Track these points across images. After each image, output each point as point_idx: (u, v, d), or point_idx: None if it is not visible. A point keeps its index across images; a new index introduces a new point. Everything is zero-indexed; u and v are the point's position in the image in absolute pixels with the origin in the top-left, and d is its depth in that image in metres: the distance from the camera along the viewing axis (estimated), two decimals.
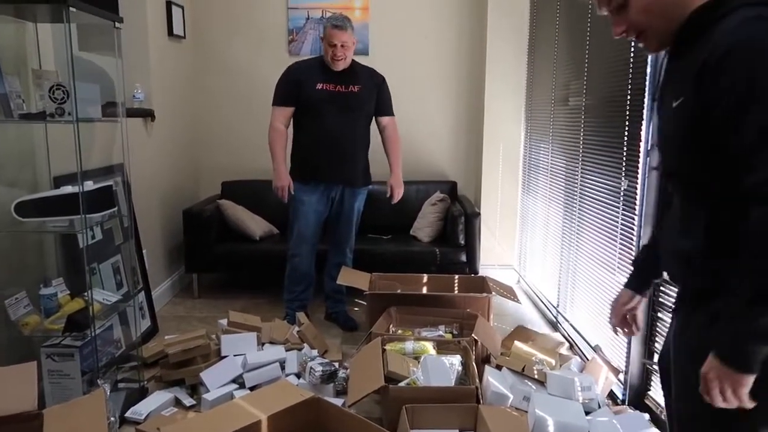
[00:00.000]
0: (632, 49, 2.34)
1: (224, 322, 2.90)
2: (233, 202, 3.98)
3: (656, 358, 1.77)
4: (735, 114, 0.96)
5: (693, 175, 1.10)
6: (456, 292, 3.12)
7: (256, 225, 3.89)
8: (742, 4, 1.01)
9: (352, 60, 3.06)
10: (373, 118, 3.18)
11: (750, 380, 0.99)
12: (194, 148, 4.31)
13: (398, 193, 3.21)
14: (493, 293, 2.94)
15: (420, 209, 4.05)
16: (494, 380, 2.23)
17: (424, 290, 3.17)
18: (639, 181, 2.27)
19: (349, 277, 3.07)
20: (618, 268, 2.48)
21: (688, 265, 1.14)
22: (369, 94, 3.09)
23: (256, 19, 4.22)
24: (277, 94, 3.10)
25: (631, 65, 2.34)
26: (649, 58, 2.20)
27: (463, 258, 3.68)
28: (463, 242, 3.69)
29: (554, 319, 3.36)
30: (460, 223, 3.68)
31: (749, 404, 1.01)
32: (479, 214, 3.79)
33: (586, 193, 2.86)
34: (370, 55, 4.18)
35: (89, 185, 2.21)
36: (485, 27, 3.98)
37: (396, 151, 3.21)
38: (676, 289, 1.38)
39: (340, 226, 3.25)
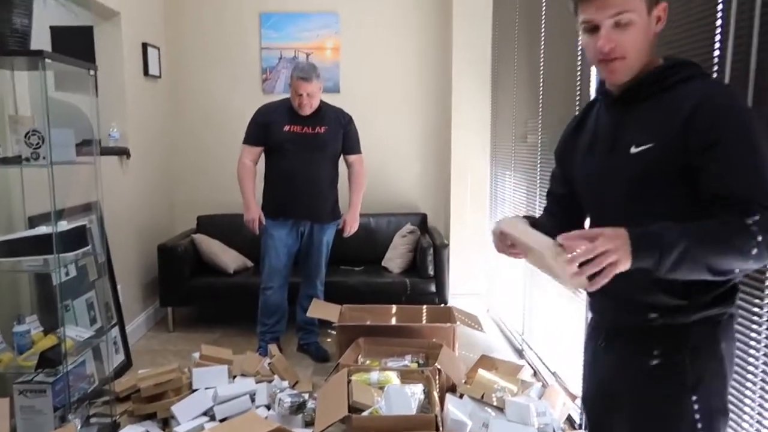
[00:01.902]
0: (578, 90, 2.51)
1: (197, 355, 2.96)
2: (208, 236, 4.07)
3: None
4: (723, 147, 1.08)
5: (659, 207, 1.16)
6: (423, 322, 3.22)
7: (230, 259, 3.97)
8: (699, 73, 1.19)
9: (321, 101, 3.20)
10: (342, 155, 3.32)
11: (625, 267, 1.02)
12: (170, 183, 4.40)
13: (351, 228, 3.33)
14: (458, 323, 3.05)
15: (391, 241, 4.17)
16: (454, 408, 2.32)
17: (393, 321, 3.26)
18: None
19: (320, 310, 3.15)
20: (576, 295, 2.61)
21: (650, 281, 1.13)
22: (335, 134, 3.23)
23: (231, 58, 4.37)
24: (247, 133, 3.26)
25: (578, 105, 2.51)
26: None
27: (433, 288, 3.80)
28: (432, 273, 3.81)
29: (519, 347, 3.48)
30: (429, 254, 3.81)
31: (597, 283, 1.03)
32: (447, 245, 3.92)
33: None
34: (341, 93, 4.34)
35: (63, 225, 2.29)
36: (450, 65, 4.17)
37: (358, 188, 3.35)
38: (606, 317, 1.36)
39: (310, 259, 3.36)
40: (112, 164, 3.45)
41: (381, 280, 3.86)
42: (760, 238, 1.02)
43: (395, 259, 4.05)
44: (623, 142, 1.21)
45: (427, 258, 3.81)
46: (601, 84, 1.33)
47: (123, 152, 3.56)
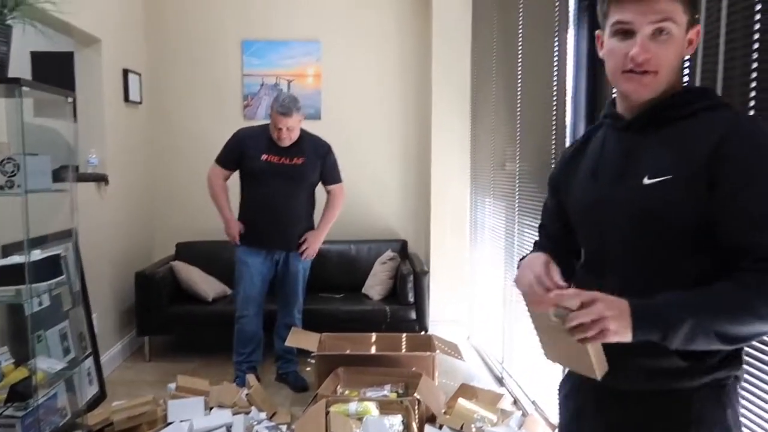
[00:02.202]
0: (554, 120, 2.56)
1: (173, 386, 2.90)
2: (187, 263, 4.02)
3: None
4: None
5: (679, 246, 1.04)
6: (403, 351, 3.20)
7: (209, 286, 3.93)
8: (722, 103, 1.08)
9: (301, 130, 3.21)
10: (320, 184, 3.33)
11: (625, 339, 0.95)
12: (149, 210, 4.36)
13: (309, 247, 3.26)
14: (438, 351, 3.04)
15: (371, 267, 4.16)
16: None
17: (373, 350, 3.24)
18: None
19: (298, 339, 3.12)
20: None
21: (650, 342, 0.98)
22: (312, 165, 3.23)
23: (213, 84, 4.38)
24: (222, 153, 3.28)
25: (554, 134, 2.55)
26: (568, 129, 2.41)
27: (413, 316, 3.79)
28: (412, 300, 3.80)
29: (500, 375, 3.47)
30: (410, 281, 3.80)
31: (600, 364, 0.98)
32: (428, 272, 3.92)
33: (524, 253, 3.02)
34: (322, 119, 4.36)
35: (37, 254, 2.25)
36: (430, 93, 4.22)
37: (331, 214, 3.34)
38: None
39: (287, 287, 3.33)
40: (90, 190, 3.41)
41: (361, 308, 3.84)
42: None
43: (375, 286, 4.03)
44: (635, 172, 1.08)
45: (407, 285, 3.80)
46: (610, 105, 1.22)
47: (101, 178, 3.53)
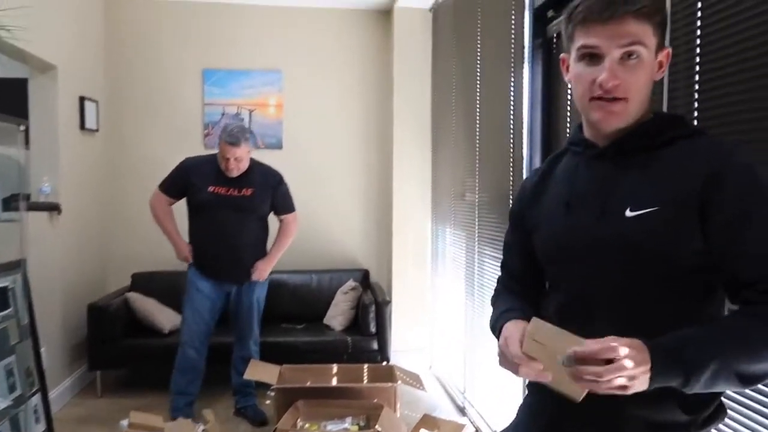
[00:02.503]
0: (511, 152, 2.62)
1: (125, 423, 2.79)
2: (143, 294, 3.92)
3: None
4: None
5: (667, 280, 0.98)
6: (365, 382, 3.17)
7: (166, 318, 3.83)
8: (699, 131, 1.04)
9: (251, 160, 3.15)
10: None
11: (640, 389, 0.86)
12: (104, 240, 4.24)
13: (260, 275, 3.20)
14: (400, 382, 3.02)
15: (333, 297, 4.13)
16: None
17: (334, 381, 3.20)
18: None
19: (257, 372, 3.06)
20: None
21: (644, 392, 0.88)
22: (262, 196, 3.16)
23: (172, 112, 4.34)
24: (166, 180, 3.20)
25: (511, 165, 2.61)
26: (525, 161, 2.47)
27: (375, 346, 3.76)
28: (374, 330, 3.78)
29: (462, 405, 3.46)
30: (371, 311, 3.79)
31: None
32: (389, 302, 3.92)
33: (484, 282, 3.06)
34: (283, 149, 4.36)
35: None
36: (392, 123, 4.27)
37: (283, 243, 3.28)
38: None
39: (241, 320, 3.26)
40: (41, 220, 3.31)
41: (322, 339, 3.79)
42: None
43: (337, 316, 4.00)
44: (615, 203, 1.01)
45: (368, 315, 3.79)
46: (577, 131, 1.14)
47: (54, 207, 3.43)
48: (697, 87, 1.43)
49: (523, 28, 2.46)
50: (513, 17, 2.59)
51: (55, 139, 3.49)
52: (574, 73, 1.04)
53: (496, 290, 1.31)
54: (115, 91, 4.27)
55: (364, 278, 4.32)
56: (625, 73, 0.97)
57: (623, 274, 1.00)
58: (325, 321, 4.05)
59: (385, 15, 4.45)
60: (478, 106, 3.15)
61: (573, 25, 1.02)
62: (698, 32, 1.42)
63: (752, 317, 0.91)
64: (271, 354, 3.36)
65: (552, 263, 1.15)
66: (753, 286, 0.91)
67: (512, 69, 2.62)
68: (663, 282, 0.98)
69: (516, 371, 1.02)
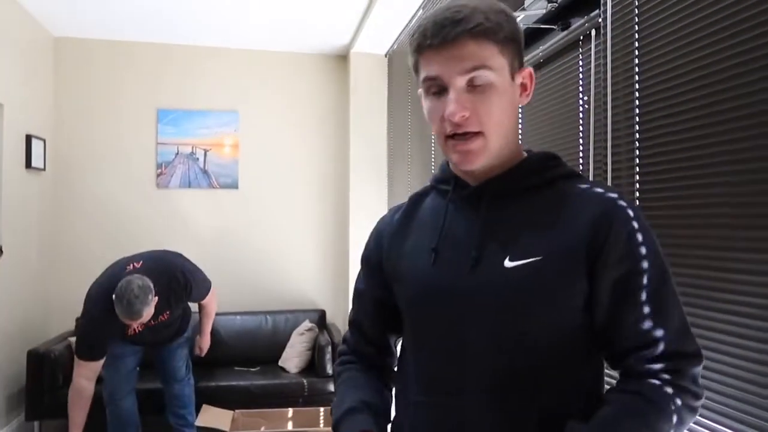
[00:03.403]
0: None
1: None
2: None
3: None
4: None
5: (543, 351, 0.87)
6: (321, 426, 3.10)
7: None
8: (576, 172, 0.96)
9: (152, 273, 2.73)
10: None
11: None
12: (47, 284, 4.07)
13: (204, 350, 3.22)
14: None
15: (288, 339, 4.06)
16: None
17: (290, 426, 3.12)
18: None
19: (209, 417, 2.97)
20: None
21: None
22: (178, 308, 2.94)
23: (124, 151, 4.26)
24: (84, 346, 2.78)
25: None
26: None
27: (332, 388, 3.70)
28: (331, 372, 3.72)
29: None
30: (328, 352, 3.74)
31: None
32: None
33: None
34: (239, 189, 4.33)
35: None
36: (348, 162, 4.32)
37: (209, 318, 3.20)
38: None
39: (167, 363, 3.10)
40: None
41: (277, 382, 3.71)
42: (679, 402, 0.82)
43: (293, 358, 3.93)
44: (491, 253, 0.89)
45: (325, 356, 3.74)
46: (445, 167, 1.01)
47: None
48: (637, 129, 1.52)
49: None
50: None
51: None
52: (425, 109, 0.91)
53: (341, 362, 1.11)
54: (64, 129, 4.17)
55: (320, 319, 4.28)
56: (474, 103, 0.85)
57: (502, 334, 0.87)
58: (281, 363, 3.97)
59: (342, 60, 4.54)
60: (432, 146, 3.23)
61: (416, 55, 0.90)
62: (636, 69, 1.52)
63: (638, 398, 0.82)
64: (223, 398, 3.27)
65: (417, 319, 0.98)
66: (632, 352, 0.84)
67: None
68: (543, 342, 0.86)
69: None
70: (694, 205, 1.32)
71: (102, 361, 2.84)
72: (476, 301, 0.88)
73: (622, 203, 0.88)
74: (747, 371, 1.18)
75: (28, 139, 3.69)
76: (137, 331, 2.82)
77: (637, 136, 1.51)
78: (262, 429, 3.02)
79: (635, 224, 0.86)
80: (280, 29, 4.00)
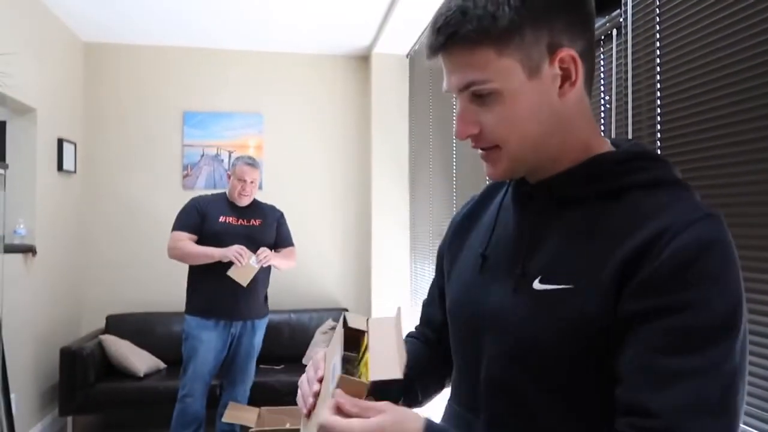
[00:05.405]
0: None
1: None
2: (118, 336, 3.85)
3: None
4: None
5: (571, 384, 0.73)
6: None
7: (141, 361, 3.76)
8: (670, 180, 0.75)
9: (254, 198, 3.22)
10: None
11: None
12: (79, 282, 4.18)
13: (269, 257, 3.10)
14: None
15: (312, 337, 4.11)
16: None
17: None
18: None
19: (236, 415, 3.02)
20: None
21: None
22: (269, 228, 3.23)
23: (151, 153, 4.35)
24: (179, 221, 3.08)
25: None
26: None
27: None
28: None
29: None
30: None
31: None
32: None
33: None
34: (263, 190, 4.39)
35: None
36: (370, 164, 4.35)
37: (284, 259, 3.24)
38: None
39: (237, 364, 3.19)
40: (15, 262, 3.26)
41: None
42: None
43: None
44: (528, 267, 0.76)
45: None
46: None
47: (28, 249, 3.39)
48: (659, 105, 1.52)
49: None
50: None
51: (32, 180, 3.48)
52: None
53: (406, 335, 1.05)
54: (94, 132, 4.28)
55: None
56: (484, 115, 0.74)
57: (515, 353, 0.76)
58: (304, 361, 4.02)
59: (364, 60, 4.57)
60: (454, 146, 3.25)
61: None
62: (658, 52, 1.52)
63: None
64: (249, 395, 3.31)
65: (453, 324, 0.90)
66: (635, 412, 0.65)
67: None
68: (555, 378, 0.73)
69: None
70: (717, 205, 1.32)
71: (191, 236, 3.02)
72: (500, 320, 0.78)
73: (698, 223, 0.66)
74: None
75: (60, 142, 3.80)
76: (232, 221, 3.08)
77: (659, 135, 1.51)
78: (287, 425, 3.06)
79: (703, 249, 0.65)
80: (302, 31, 4.05)
